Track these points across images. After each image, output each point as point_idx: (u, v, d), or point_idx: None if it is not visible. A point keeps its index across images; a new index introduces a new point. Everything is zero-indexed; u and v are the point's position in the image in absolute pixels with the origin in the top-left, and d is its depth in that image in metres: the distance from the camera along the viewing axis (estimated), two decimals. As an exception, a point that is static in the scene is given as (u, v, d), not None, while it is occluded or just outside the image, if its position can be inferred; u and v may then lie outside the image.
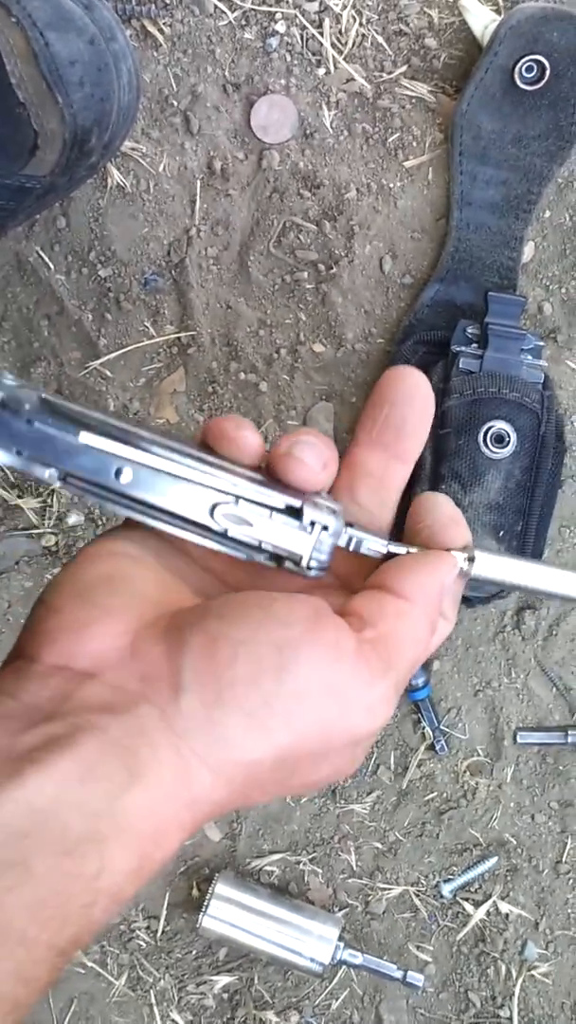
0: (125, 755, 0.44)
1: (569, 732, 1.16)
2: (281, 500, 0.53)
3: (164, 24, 1.12)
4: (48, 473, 0.50)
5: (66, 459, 0.50)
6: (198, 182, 1.14)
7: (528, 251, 1.15)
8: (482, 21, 1.10)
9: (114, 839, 0.43)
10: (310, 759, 0.48)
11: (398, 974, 1.15)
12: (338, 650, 0.48)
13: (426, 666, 1.16)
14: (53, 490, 1.16)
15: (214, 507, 0.51)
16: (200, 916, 1.13)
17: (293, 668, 0.46)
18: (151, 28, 1.11)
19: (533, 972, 1.18)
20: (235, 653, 0.47)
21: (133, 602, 0.50)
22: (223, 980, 1.18)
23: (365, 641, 0.49)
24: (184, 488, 0.51)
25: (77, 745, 0.44)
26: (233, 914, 1.13)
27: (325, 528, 0.53)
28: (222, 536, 0.52)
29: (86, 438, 0.50)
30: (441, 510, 0.56)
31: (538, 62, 1.09)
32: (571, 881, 1.18)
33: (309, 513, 0.53)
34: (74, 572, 0.51)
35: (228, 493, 0.52)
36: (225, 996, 1.19)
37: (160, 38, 1.12)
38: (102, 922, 0.44)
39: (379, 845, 1.18)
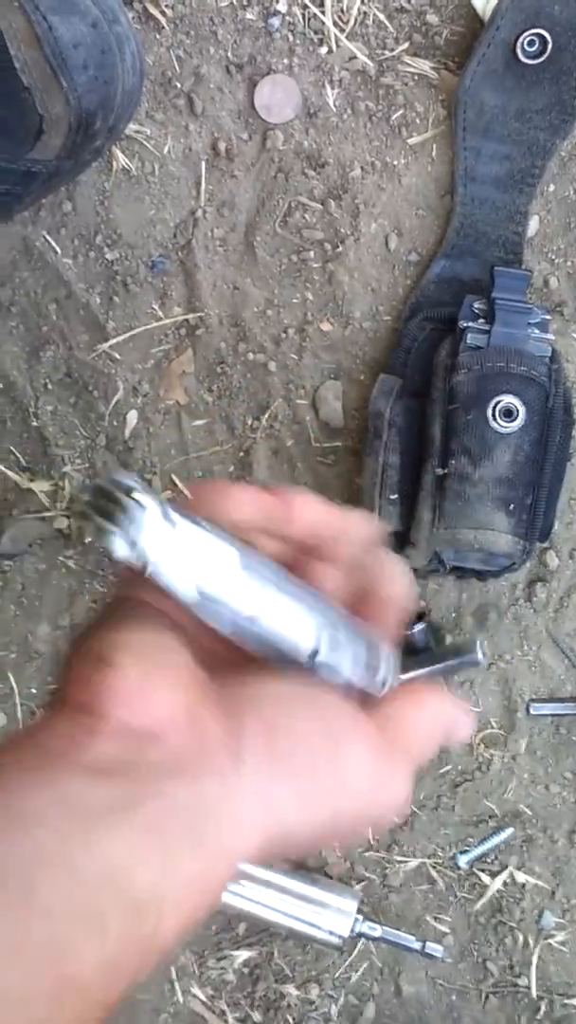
0: (190, 820, 0.46)
1: (582, 703, 1.17)
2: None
3: (166, 6, 1.12)
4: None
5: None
6: (203, 164, 1.15)
7: (533, 225, 1.16)
8: (483, -4, 1.10)
9: (170, 900, 0.44)
10: (340, 832, 0.55)
11: (417, 945, 1.16)
12: (376, 740, 0.53)
13: (439, 640, 1.17)
14: (64, 473, 1.17)
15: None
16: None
17: (344, 757, 0.51)
18: (153, 10, 1.12)
19: (550, 940, 1.19)
20: (294, 741, 0.50)
21: (184, 669, 0.50)
22: (243, 955, 1.20)
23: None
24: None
25: (147, 807, 0.45)
26: (252, 890, 1.14)
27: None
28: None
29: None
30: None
31: (540, 36, 1.09)
32: (586, 850, 1.19)
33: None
34: (126, 628, 0.51)
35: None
36: (245, 971, 1.20)
37: (162, 20, 1.12)
38: (142, 980, 0.45)
39: (396, 818, 1.19)
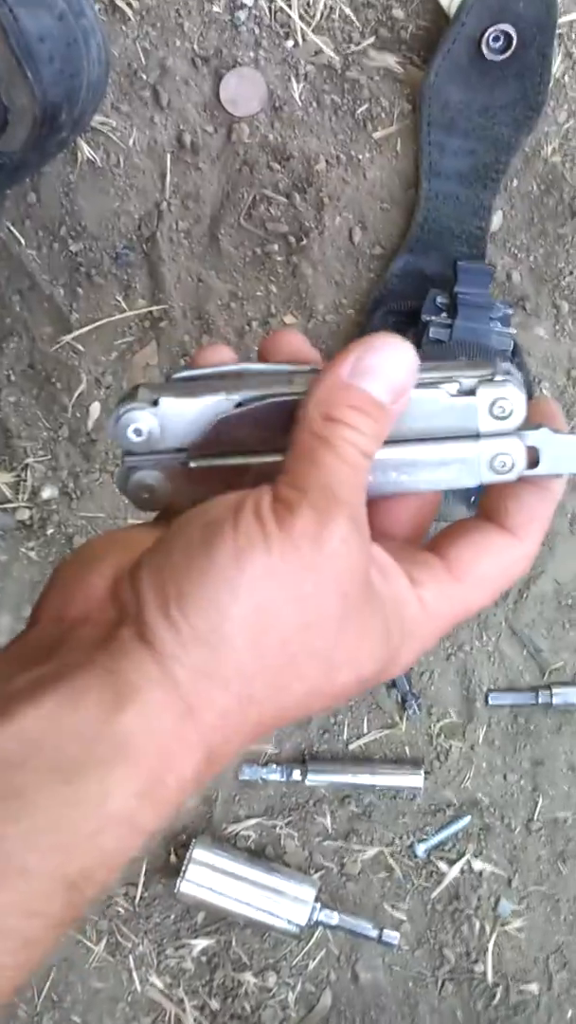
0: (113, 679, 0.45)
1: (539, 693, 1.19)
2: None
3: (132, -3, 1.12)
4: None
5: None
6: (168, 156, 1.15)
7: (496, 220, 1.16)
8: (448, -8, 1.11)
9: (115, 762, 0.44)
10: (281, 636, 0.47)
11: (374, 933, 1.17)
12: (261, 524, 0.47)
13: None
14: (27, 464, 1.17)
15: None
16: (178, 881, 1.15)
17: (218, 544, 0.46)
18: (119, 2, 1.12)
19: (506, 928, 1.21)
20: (169, 548, 0.48)
21: (124, 554, 0.51)
22: (201, 943, 1.21)
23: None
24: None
25: (67, 678, 0.45)
26: (210, 878, 1.15)
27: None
28: None
29: None
30: None
31: (505, 32, 1.10)
32: (543, 838, 1.21)
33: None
34: (79, 547, 0.53)
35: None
36: (204, 959, 1.21)
37: (128, 12, 1.12)
38: (119, 853, 0.44)
39: (354, 808, 1.20)
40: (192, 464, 0.54)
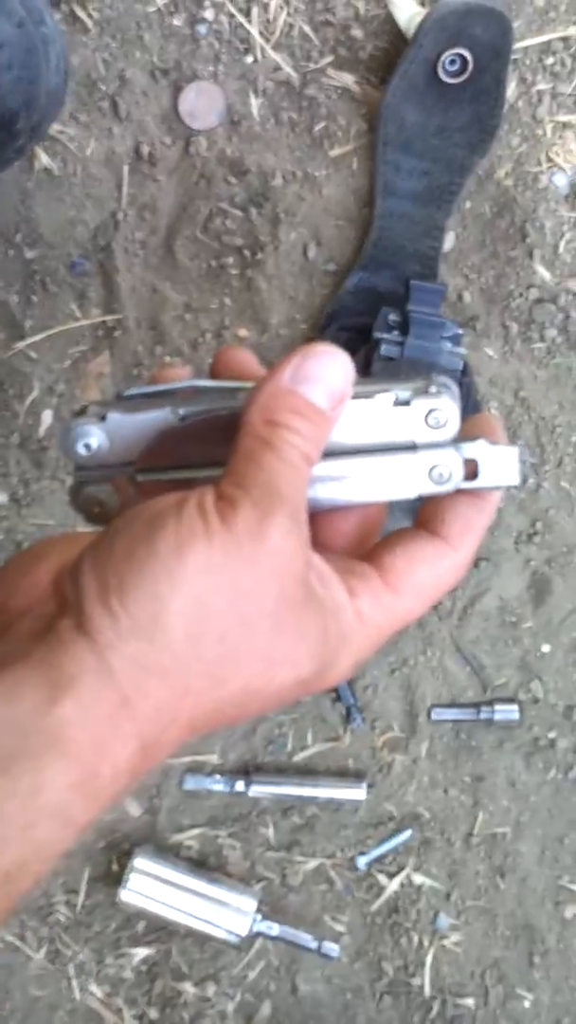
0: (49, 670, 0.46)
1: (482, 708, 1.20)
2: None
3: (93, 9, 1.13)
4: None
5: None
6: (125, 166, 1.15)
7: (449, 240, 1.18)
8: (407, 13, 1.12)
9: (49, 753, 0.44)
10: (219, 630, 0.47)
11: (313, 945, 1.18)
12: (204, 518, 0.47)
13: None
14: (-22, 469, 1.17)
15: None
16: (119, 890, 1.15)
17: (160, 536, 0.47)
18: (80, 12, 1.12)
19: (444, 942, 1.22)
20: (112, 540, 0.48)
21: (69, 549, 0.52)
22: (141, 952, 1.21)
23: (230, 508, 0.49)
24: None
25: (4, 670, 0.45)
26: (152, 887, 1.15)
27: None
28: None
29: None
30: None
31: (461, 56, 1.11)
32: (482, 853, 1.22)
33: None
34: (29, 545, 0.54)
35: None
36: (143, 968, 1.21)
37: (89, 22, 1.13)
38: (54, 845, 0.44)
39: (297, 819, 1.21)
40: (140, 478, 0.55)
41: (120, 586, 0.46)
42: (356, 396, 0.53)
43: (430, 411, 0.53)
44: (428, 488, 0.54)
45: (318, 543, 0.52)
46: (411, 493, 0.54)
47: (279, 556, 0.48)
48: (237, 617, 0.47)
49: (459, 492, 0.54)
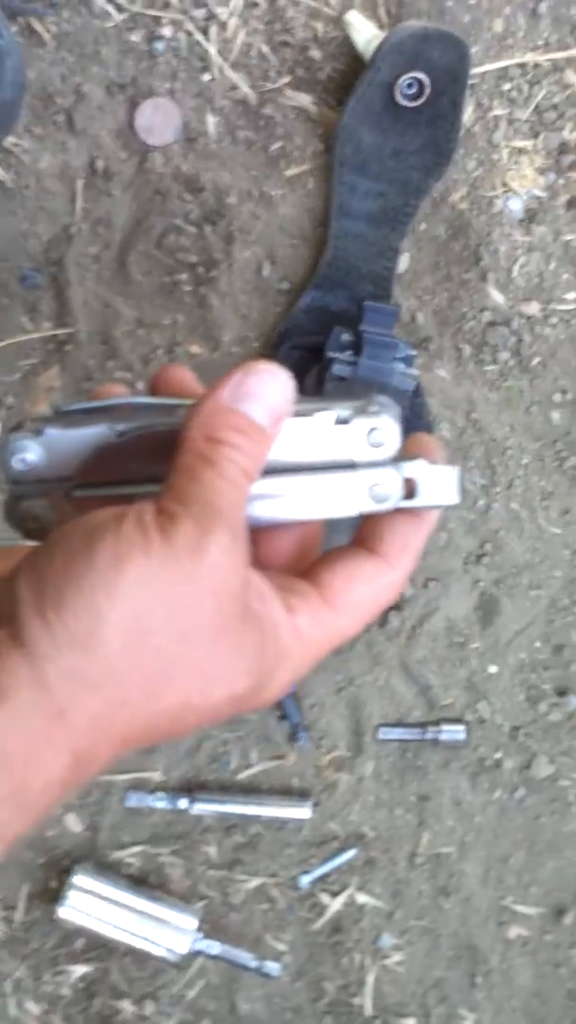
0: None
1: (428, 728, 1.20)
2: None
3: (51, 22, 1.13)
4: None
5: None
6: (80, 181, 1.15)
7: (403, 262, 1.18)
8: (365, 36, 1.13)
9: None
10: (156, 643, 0.47)
11: (254, 964, 1.18)
12: (143, 532, 0.48)
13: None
14: None
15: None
16: (58, 907, 1.14)
17: (98, 548, 0.47)
18: (37, 26, 1.12)
19: (386, 961, 1.22)
20: (50, 553, 0.48)
21: (5, 562, 0.51)
22: (80, 970, 1.20)
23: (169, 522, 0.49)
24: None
25: None
26: (91, 905, 1.15)
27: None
28: None
29: None
30: None
31: (418, 79, 1.12)
32: (426, 873, 1.22)
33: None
34: None
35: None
36: (82, 986, 1.20)
37: (46, 36, 1.13)
38: None
39: (239, 838, 1.21)
40: (76, 493, 0.55)
41: (57, 598, 0.46)
42: (296, 414, 0.53)
43: (370, 430, 0.54)
44: (367, 506, 0.54)
45: (257, 560, 0.53)
46: (351, 511, 0.54)
47: (218, 572, 0.48)
48: (174, 631, 0.47)
49: (397, 511, 0.55)
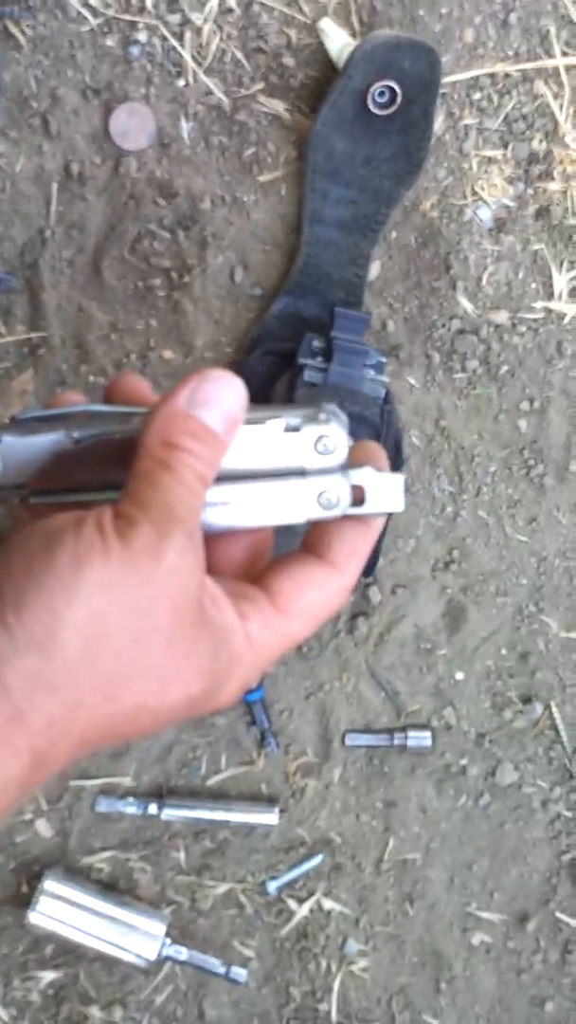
0: None
1: (395, 735, 1.21)
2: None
3: (26, 26, 1.13)
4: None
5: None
6: (55, 184, 1.15)
7: (375, 269, 1.19)
8: (338, 44, 1.13)
9: None
10: (114, 646, 0.48)
11: (221, 970, 1.18)
12: (102, 536, 0.48)
13: (260, 669, 1.19)
14: None
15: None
16: (28, 912, 1.14)
17: (58, 552, 0.47)
18: (13, 29, 1.12)
19: (352, 967, 1.22)
20: (9, 556, 0.48)
21: None
22: (49, 976, 1.19)
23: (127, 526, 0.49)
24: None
25: None
26: (61, 910, 1.14)
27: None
28: None
29: None
30: None
31: (390, 87, 1.12)
32: (391, 879, 1.22)
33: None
34: None
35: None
36: (51, 992, 1.20)
37: (22, 39, 1.13)
38: None
39: (208, 843, 1.21)
40: (32, 500, 0.55)
41: (16, 601, 0.47)
42: (248, 422, 0.54)
43: (319, 438, 0.55)
44: (316, 513, 0.55)
45: (208, 566, 0.53)
46: (300, 518, 0.55)
47: (175, 575, 0.49)
48: (132, 634, 0.48)
49: (345, 517, 0.55)
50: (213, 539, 0.55)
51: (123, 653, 0.48)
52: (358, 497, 0.55)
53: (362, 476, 0.55)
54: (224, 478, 0.54)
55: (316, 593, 0.55)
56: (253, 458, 0.55)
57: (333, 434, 0.55)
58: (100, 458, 0.55)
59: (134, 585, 0.48)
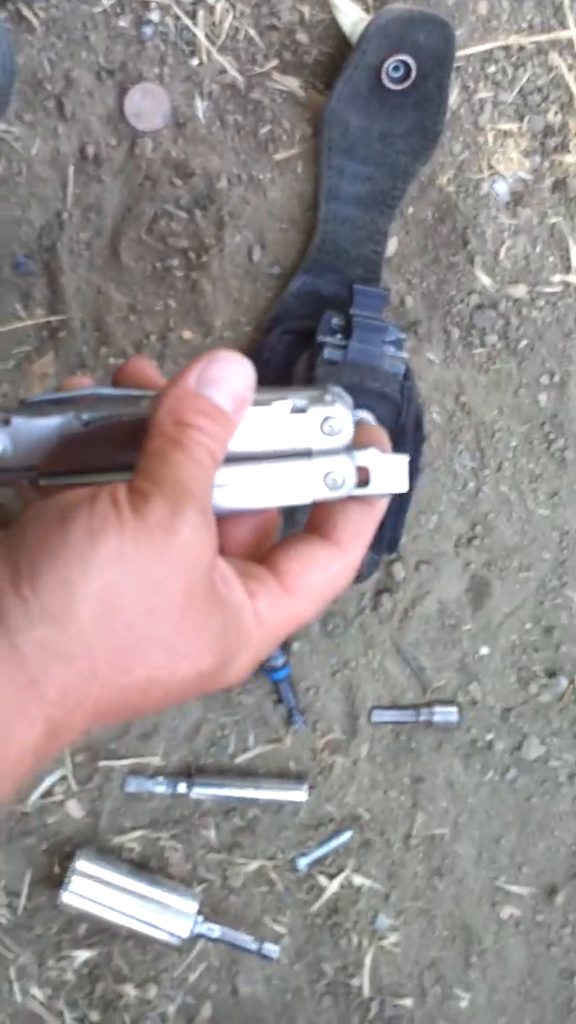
0: None
1: (421, 710, 1.21)
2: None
3: (39, 8, 1.13)
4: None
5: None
6: (71, 167, 1.15)
7: (392, 245, 1.19)
8: (351, 19, 1.13)
9: None
10: (127, 618, 0.49)
11: (254, 946, 1.18)
12: (117, 510, 0.49)
13: (285, 647, 1.19)
14: None
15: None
16: (61, 892, 1.14)
17: (73, 525, 0.48)
18: (26, 11, 1.12)
19: (383, 942, 1.22)
20: (24, 529, 0.50)
21: None
22: (83, 955, 1.20)
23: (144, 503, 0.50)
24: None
25: None
26: (93, 890, 1.15)
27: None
28: None
29: None
30: None
31: (404, 62, 1.12)
32: (420, 854, 1.23)
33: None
34: None
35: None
36: (85, 971, 1.21)
37: (35, 22, 1.13)
38: None
39: (238, 821, 1.21)
40: (43, 482, 0.56)
41: (32, 572, 0.48)
42: (255, 404, 0.55)
43: (325, 419, 0.55)
44: (322, 494, 0.56)
45: (218, 547, 0.54)
46: (306, 498, 0.56)
47: (189, 550, 0.49)
48: (145, 606, 0.49)
49: (349, 498, 0.56)
50: (221, 520, 0.56)
51: (136, 625, 0.49)
52: (363, 478, 0.56)
53: (367, 457, 0.56)
54: (231, 460, 0.55)
55: (322, 573, 0.56)
56: (260, 440, 0.56)
57: (339, 415, 0.55)
58: (109, 440, 0.56)
59: (148, 558, 0.48)
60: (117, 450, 0.55)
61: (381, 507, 0.58)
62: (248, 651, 0.54)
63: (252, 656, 0.55)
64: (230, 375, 0.54)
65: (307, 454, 0.55)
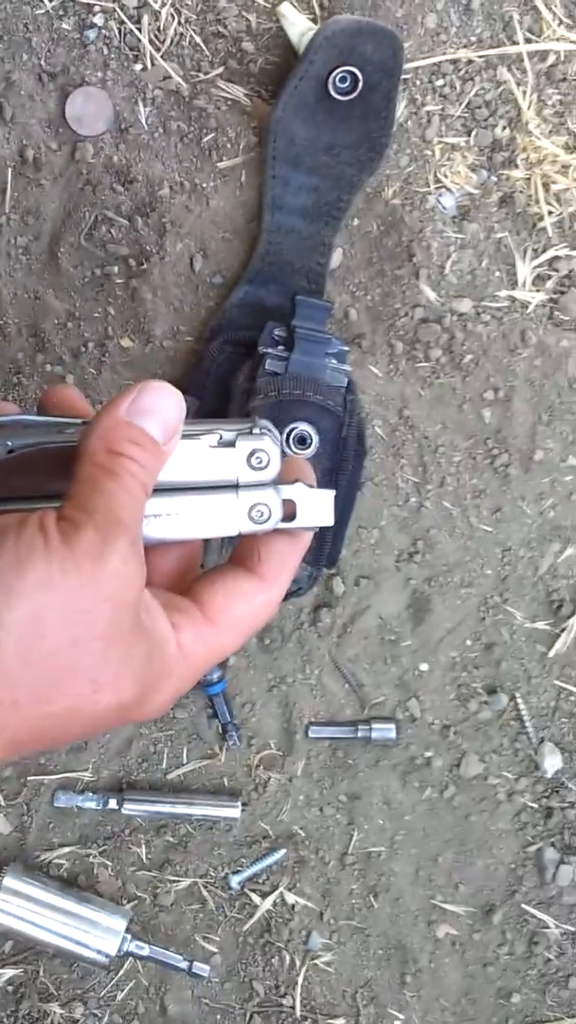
0: None
1: (359, 727, 1.20)
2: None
3: (-20, 8, 1.11)
4: None
5: None
6: (9, 170, 1.13)
7: (336, 257, 1.18)
8: (299, 29, 1.12)
9: None
10: (51, 648, 0.48)
11: (184, 965, 1.16)
12: (45, 537, 0.49)
13: (222, 663, 1.18)
14: None
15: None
16: (-14, 908, 1.13)
17: (1, 552, 0.48)
18: (-34, 11, 1.11)
19: (316, 961, 1.21)
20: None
21: None
22: (8, 973, 1.18)
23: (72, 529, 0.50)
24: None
25: None
26: (20, 907, 1.13)
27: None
28: None
29: None
30: None
31: (351, 73, 1.11)
32: (356, 872, 1.21)
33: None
34: None
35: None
36: (10, 989, 1.19)
37: (-25, 22, 1.11)
38: None
39: (170, 838, 1.20)
40: None
41: None
42: (183, 435, 0.55)
43: (252, 452, 0.56)
44: (248, 527, 0.56)
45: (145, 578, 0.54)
46: (232, 531, 0.56)
47: (117, 580, 0.49)
48: (69, 636, 0.48)
49: (274, 531, 0.57)
50: (145, 550, 0.55)
51: (59, 655, 0.48)
52: (289, 512, 0.57)
53: (293, 491, 0.56)
54: (159, 490, 0.55)
55: (246, 605, 0.56)
56: (187, 471, 0.56)
57: (266, 448, 0.56)
58: (35, 468, 0.55)
59: (75, 587, 0.48)
60: (43, 478, 0.55)
61: (306, 540, 0.58)
62: (171, 683, 0.54)
63: (175, 688, 0.54)
64: (162, 405, 0.54)
65: (234, 487, 0.56)
